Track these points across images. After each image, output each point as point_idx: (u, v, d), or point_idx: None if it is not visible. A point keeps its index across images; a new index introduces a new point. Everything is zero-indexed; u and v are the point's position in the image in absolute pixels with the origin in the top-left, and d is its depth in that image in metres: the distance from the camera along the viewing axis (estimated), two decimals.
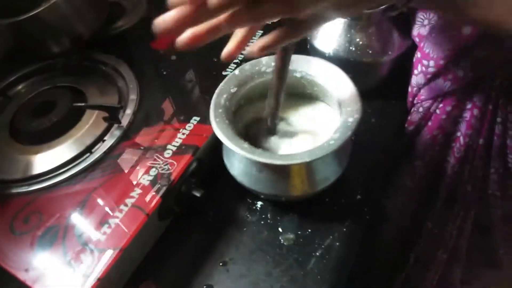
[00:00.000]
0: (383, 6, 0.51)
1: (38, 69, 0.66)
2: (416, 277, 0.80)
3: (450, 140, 0.58)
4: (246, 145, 0.43)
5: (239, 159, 0.48)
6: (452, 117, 0.55)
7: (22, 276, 0.43)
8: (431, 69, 0.54)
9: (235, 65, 0.59)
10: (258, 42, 0.33)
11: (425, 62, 0.54)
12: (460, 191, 0.62)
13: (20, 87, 0.65)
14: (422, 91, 0.57)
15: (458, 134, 0.56)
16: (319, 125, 0.51)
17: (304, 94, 0.53)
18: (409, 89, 0.59)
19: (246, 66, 0.51)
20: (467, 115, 0.54)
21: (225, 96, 0.48)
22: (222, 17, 0.30)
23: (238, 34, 0.35)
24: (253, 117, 0.53)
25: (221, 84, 0.49)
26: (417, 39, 0.54)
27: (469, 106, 0.53)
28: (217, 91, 0.48)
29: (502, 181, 0.59)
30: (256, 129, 0.52)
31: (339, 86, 0.47)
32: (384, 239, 0.80)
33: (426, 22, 0.52)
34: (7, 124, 0.58)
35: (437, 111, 0.56)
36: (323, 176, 0.47)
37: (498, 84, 0.50)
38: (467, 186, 0.61)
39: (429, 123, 0.58)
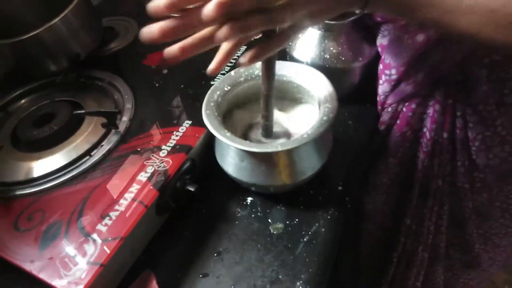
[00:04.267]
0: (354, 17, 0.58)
1: (37, 86, 0.70)
2: (400, 277, 0.83)
3: (418, 136, 0.63)
4: (228, 134, 0.48)
5: (227, 151, 0.52)
6: (418, 114, 0.61)
7: (27, 266, 0.45)
8: (393, 77, 0.59)
9: (222, 75, 0.65)
10: (247, 54, 0.37)
11: (387, 71, 0.60)
12: (432, 186, 0.66)
13: (20, 103, 0.69)
14: (389, 97, 0.63)
15: (425, 130, 0.61)
16: (306, 124, 0.56)
17: (291, 97, 0.59)
18: (378, 98, 0.65)
19: (241, 68, 0.56)
20: (430, 111, 0.59)
21: (218, 92, 0.53)
22: (208, 30, 0.34)
23: (223, 48, 0.39)
24: (250, 122, 0.58)
25: (217, 82, 0.55)
26: (379, 49, 0.61)
27: (431, 102, 0.59)
28: (212, 88, 0.54)
29: (469, 174, 0.63)
30: (253, 133, 0.57)
31: (319, 88, 0.53)
32: (368, 240, 0.84)
33: (386, 33, 0.59)
34: (8, 136, 0.61)
35: (404, 109, 0.61)
36: (305, 167, 0.52)
37: (453, 79, 0.56)
38: (437, 180, 0.65)
39: (398, 122, 0.63)
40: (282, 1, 0.34)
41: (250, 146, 0.47)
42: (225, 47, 0.39)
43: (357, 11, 0.42)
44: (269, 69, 0.45)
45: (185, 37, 0.35)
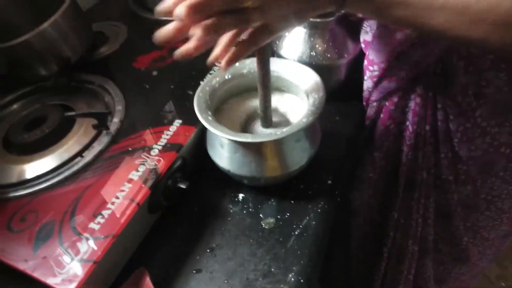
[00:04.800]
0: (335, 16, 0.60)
1: (28, 91, 0.70)
2: (392, 272, 0.84)
3: (401, 130, 0.64)
4: (217, 124, 0.50)
5: (217, 143, 0.54)
6: (400, 107, 0.62)
7: (22, 266, 0.46)
8: (375, 73, 0.61)
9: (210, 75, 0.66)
10: (224, 59, 0.40)
11: (370, 67, 0.61)
12: (417, 179, 0.67)
13: (11, 108, 0.69)
14: (372, 93, 0.64)
15: (407, 123, 0.62)
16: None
17: (279, 90, 0.61)
18: (363, 93, 0.67)
19: (247, 60, 0.58)
20: (412, 104, 0.61)
21: (215, 80, 0.56)
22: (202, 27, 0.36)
23: (222, 40, 0.41)
24: (249, 113, 0.59)
25: (217, 70, 0.57)
26: (363, 45, 0.62)
27: (412, 95, 0.60)
28: (211, 75, 0.56)
29: (452, 166, 0.65)
30: (253, 123, 0.58)
31: (306, 80, 0.55)
32: (357, 236, 0.85)
33: (368, 29, 0.60)
34: (0, 140, 0.61)
35: (387, 103, 0.63)
36: (295, 158, 0.53)
37: (433, 72, 0.57)
38: (422, 172, 0.66)
39: (381, 115, 0.64)
40: (251, 2, 0.36)
41: (237, 136, 0.48)
42: (223, 39, 0.41)
43: (335, 11, 0.43)
44: (263, 59, 0.47)
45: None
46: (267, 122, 0.56)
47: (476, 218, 0.72)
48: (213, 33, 0.36)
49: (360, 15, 0.60)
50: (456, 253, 0.80)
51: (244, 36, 0.41)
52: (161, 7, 0.35)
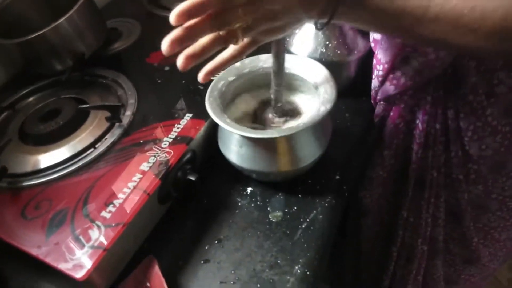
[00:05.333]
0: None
1: (43, 85, 0.72)
2: (401, 272, 0.83)
3: (411, 128, 0.64)
4: (229, 120, 0.50)
5: (229, 138, 0.54)
6: (410, 105, 0.62)
7: (35, 251, 0.47)
8: (380, 73, 0.61)
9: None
10: (203, 69, 0.43)
11: (378, 67, 0.61)
12: (427, 177, 0.67)
13: (27, 101, 0.71)
14: (378, 93, 0.64)
15: (417, 121, 0.62)
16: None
17: (292, 87, 0.61)
18: (371, 92, 0.66)
19: (246, 60, 0.59)
20: (422, 102, 0.60)
21: (222, 82, 0.56)
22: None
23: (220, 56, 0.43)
24: (261, 102, 0.60)
25: (221, 73, 0.57)
26: (372, 44, 0.62)
27: (423, 94, 0.60)
28: (216, 78, 0.57)
29: (463, 165, 0.64)
30: (265, 113, 0.59)
31: (317, 76, 0.55)
32: (367, 235, 0.84)
33: None
34: (16, 131, 0.63)
35: (396, 101, 0.63)
36: (305, 154, 0.53)
37: (443, 72, 0.57)
38: (432, 171, 0.66)
39: (391, 114, 0.64)
40: (239, 24, 0.37)
41: (249, 132, 0.49)
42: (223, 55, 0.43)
43: (319, 26, 0.43)
44: (279, 50, 0.48)
45: None
46: (279, 111, 0.56)
47: (487, 218, 0.72)
48: (201, 52, 0.38)
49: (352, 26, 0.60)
50: (467, 254, 0.79)
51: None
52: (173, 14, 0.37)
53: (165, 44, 0.36)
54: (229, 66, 0.44)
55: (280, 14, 0.38)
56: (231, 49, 0.43)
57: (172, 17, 0.34)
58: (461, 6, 0.36)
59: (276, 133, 0.49)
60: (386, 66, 0.59)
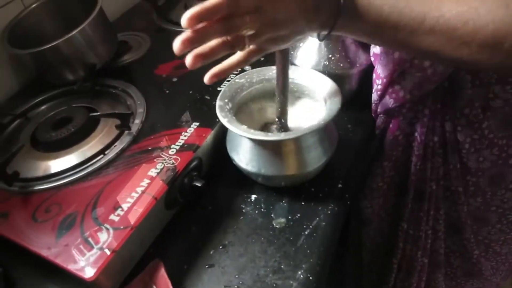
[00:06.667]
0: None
1: (55, 94, 0.75)
2: (401, 285, 0.83)
3: (410, 140, 0.65)
4: (238, 123, 0.52)
5: (238, 142, 0.57)
6: (408, 118, 0.63)
7: (45, 253, 0.48)
8: (379, 87, 0.63)
9: (227, 82, 0.69)
10: (209, 72, 0.45)
11: (377, 81, 0.63)
12: (427, 189, 0.68)
13: (39, 109, 0.73)
14: (378, 106, 0.66)
15: (416, 134, 0.64)
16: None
17: (297, 97, 0.64)
18: (372, 105, 0.68)
19: (256, 70, 0.62)
20: (420, 115, 0.62)
21: (233, 89, 0.59)
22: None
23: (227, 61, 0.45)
24: (266, 120, 0.62)
25: (231, 80, 0.60)
26: (372, 58, 0.64)
27: (420, 106, 0.61)
28: (226, 85, 0.60)
29: (462, 177, 0.65)
30: (269, 130, 0.61)
31: (323, 86, 0.58)
32: (368, 247, 0.85)
33: None
34: (28, 138, 0.65)
35: (395, 114, 0.64)
36: (312, 159, 0.55)
37: (440, 85, 0.59)
38: (431, 183, 0.67)
39: (391, 126, 0.66)
40: (245, 30, 0.39)
41: (256, 135, 0.51)
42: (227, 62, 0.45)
43: (321, 37, 0.46)
44: (284, 62, 0.50)
45: None
46: (283, 126, 0.58)
47: (487, 231, 0.72)
48: (208, 58, 0.40)
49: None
50: (468, 267, 0.80)
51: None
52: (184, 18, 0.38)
53: (177, 44, 0.38)
54: (234, 71, 0.45)
55: (283, 24, 0.40)
56: (237, 55, 0.45)
57: (184, 20, 0.36)
58: (454, 20, 0.38)
59: (283, 136, 0.52)
60: (384, 80, 0.61)
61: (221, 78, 0.46)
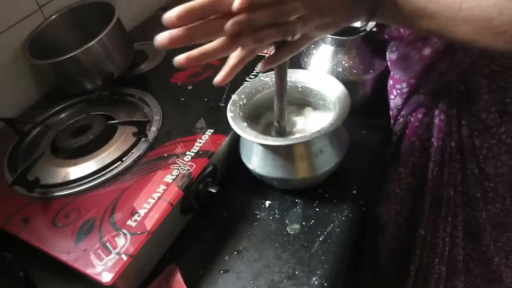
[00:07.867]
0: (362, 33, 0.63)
1: (74, 103, 0.77)
2: None
3: (426, 146, 0.65)
4: (250, 130, 0.54)
5: (250, 148, 0.58)
6: (424, 124, 0.63)
7: (64, 257, 0.50)
8: (405, 90, 0.63)
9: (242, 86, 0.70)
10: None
11: (398, 86, 0.63)
12: (444, 195, 0.67)
13: (59, 118, 0.75)
14: (403, 109, 0.66)
15: (433, 139, 0.63)
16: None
17: (306, 102, 0.64)
18: (390, 112, 0.68)
19: (267, 78, 0.63)
20: (436, 120, 0.62)
21: (243, 97, 0.60)
22: (225, 39, 0.38)
23: (230, 62, 0.43)
24: (267, 123, 0.63)
25: (242, 87, 0.62)
26: (388, 63, 0.64)
27: (436, 112, 0.61)
28: (237, 93, 0.61)
29: (480, 183, 0.64)
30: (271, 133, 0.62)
31: (332, 90, 0.58)
32: (385, 253, 0.84)
33: (394, 48, 0.62)
34: (48, 145, 0.67)
35: (411, 119, 0.64)
36: (323, 161, 0.56)
37: (456, 89, 0.59)
38: (449, 189, 0.66)
39: (407, 131, 0.66)
40: (295, 16, 0.39)
41: (267, 140, 0.52)
42: (231, 61, 0.43)
43: (364, 22, 0.46)
44: (281, 75, 0.50)
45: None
46: (281, 132, 0.59)
47: (507, 238, 0.71)
48: (256, 44, 0.39)
49: (386, 36, 0.63)
50: (488, 275, 0.78)
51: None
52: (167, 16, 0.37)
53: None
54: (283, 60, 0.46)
55: (328, 10, 0.41)
56: (242, 54, 0.43)
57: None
58: (490, 10, 0.38)
59: (291, 141, 0.53)
60: (412, 81, 0.61)
61: (232, 76, 0.44)
